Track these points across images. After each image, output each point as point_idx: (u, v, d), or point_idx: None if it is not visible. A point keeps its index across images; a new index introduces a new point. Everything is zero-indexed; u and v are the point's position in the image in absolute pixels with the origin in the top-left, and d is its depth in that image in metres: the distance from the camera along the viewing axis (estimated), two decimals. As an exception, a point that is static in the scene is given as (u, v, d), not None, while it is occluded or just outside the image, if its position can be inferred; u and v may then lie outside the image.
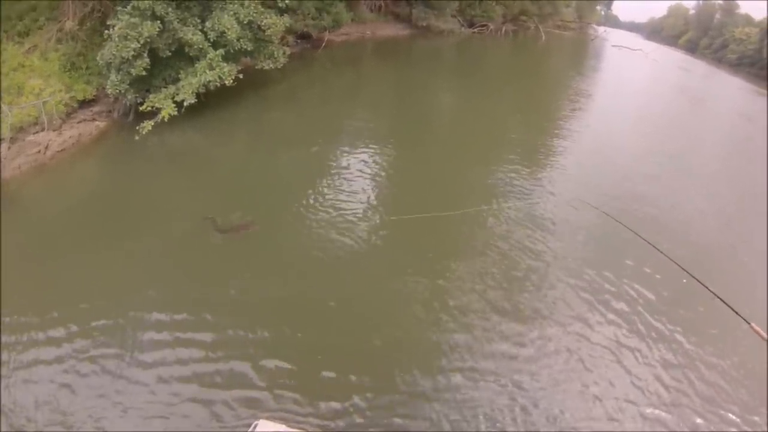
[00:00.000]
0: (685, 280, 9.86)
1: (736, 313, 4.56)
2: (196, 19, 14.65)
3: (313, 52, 25.35)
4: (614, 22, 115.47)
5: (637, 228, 7.12)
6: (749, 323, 4.30)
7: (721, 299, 4.76)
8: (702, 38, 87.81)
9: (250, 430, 5.99)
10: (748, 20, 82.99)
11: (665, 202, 14.35)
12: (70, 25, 15.62)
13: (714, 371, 8.32)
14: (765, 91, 50.70)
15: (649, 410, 7.44)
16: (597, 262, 10.61)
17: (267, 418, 6.29)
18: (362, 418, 6.74)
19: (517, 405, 7.17)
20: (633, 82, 36.27)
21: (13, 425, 6.39)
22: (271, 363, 7.38)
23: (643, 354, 8.43)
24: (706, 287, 5.04)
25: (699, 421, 7.39)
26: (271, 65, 16.82)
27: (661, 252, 6.21)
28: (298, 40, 24.96)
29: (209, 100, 15.52)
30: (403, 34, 34.70)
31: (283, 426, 6.17)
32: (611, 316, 9.18)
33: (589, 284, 9.91)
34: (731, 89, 49.16)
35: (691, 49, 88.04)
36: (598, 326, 8.87)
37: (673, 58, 67.15)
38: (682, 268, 5.47)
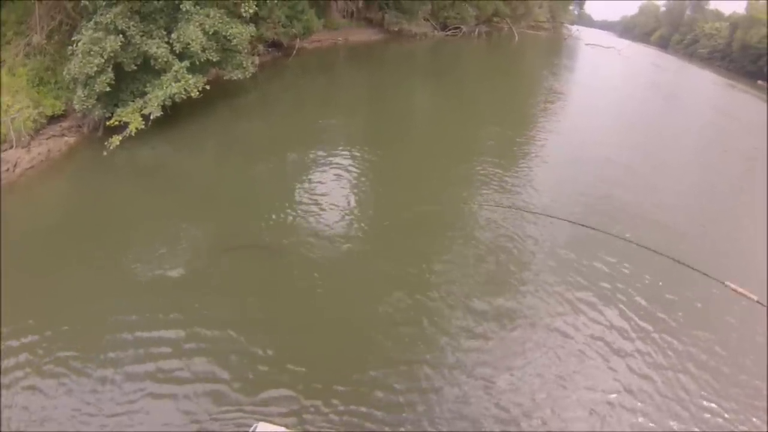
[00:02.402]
0: (661, 282, 10.71)
1: (709, 276, 4.57)
2: (162, 31, 14.69)
3: (284, 60, 25.43)
4: (587, 21, 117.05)
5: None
6: (724, 283, 4.37)
7: (690, 266, 4.75)
8: (673, 34, 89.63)
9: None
10: (717, 15, 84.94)
11: (640, 192, 15.15)
12: (37, 39, 15.51)
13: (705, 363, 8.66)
14: (736, 84, 52.04)
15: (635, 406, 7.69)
16: (572, 262, 11.03)
17: (266, 421, 6.44)
18: (361, 422, 6.93)
19: (497, 404, 7.43)
20: (607, 79, 36.94)
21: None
22: (265, 368, 7.59)
23: (626, 350, 8.73)
24: (674, 260, 5.03)
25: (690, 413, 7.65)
26: (239, 75, 16.88)
27: (631, 241, 6.52)
28: (269, 49, 25.03)
29: (179, 112, 15.52)
30: (375, 39, 34.89)
31: (283, 429, 6.31)
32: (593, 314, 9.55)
33: (568, 282, 10.31)
34: (703, 83, 50.31)
35: (663, 45, 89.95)
36: (581, 325, 9.20)
37: (645, 54, 68.40)
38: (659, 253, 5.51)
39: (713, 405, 7.79)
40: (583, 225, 7.57)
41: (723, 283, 4.56)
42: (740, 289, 4.38)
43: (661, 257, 11.11)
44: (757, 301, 4.31)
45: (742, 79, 58.34)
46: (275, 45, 25.28)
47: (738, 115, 32.97)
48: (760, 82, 58.95)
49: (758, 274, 10.48)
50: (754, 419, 7.70)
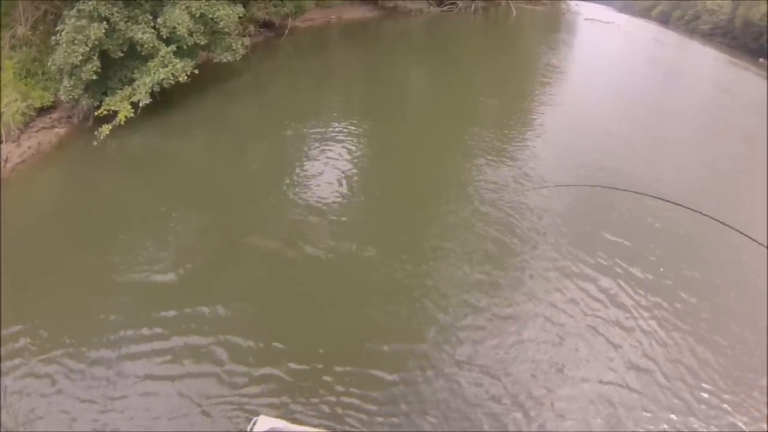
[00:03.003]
0: (662, 268, 10.59)
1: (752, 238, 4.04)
2: (148, 15, 14.30)
3: (276, 40, 24.87)
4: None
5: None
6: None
7: (734, 228, 4.13)
8: (674, 10, 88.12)
9: (250, 426, 6.06)
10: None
11: (639, 167, 15.09)
12: (22, 30, 15.19)
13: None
14: (738, 61, 51.34)
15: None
16: (574, 236, 10.94)
17: (267, 414, 6.39)
18: (363, 416, 6.87)
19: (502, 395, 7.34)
20: (606, 55, 36.41)
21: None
22: (266, 362, 7.51)
23: (629, 329, 8.69)
24: (715, 219, 4.47)
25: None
26: (229, 57, 16.47)
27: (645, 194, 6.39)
28: (261, 29, 24.49)
29: (170, 98, 15.22)
30: (370, 16, 34.10)
31: (283, 422, 6.25)
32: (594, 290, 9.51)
33: (569, 258, 10.25)
34: (705, 59, 49.66)
35: (664, 20, 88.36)
36: (581, 302, 9.16)
37: (646, 30, 67.37)
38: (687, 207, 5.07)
39: (713, 387, 7.74)
40: (597, 186, 7.56)
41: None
42: None
43: (663, 236, 11.05)
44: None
45: (743, 57, 57.46)
46: (267, 25, 24.73)
47: (739, 92, 32.53)
48: (761, 60, 57.91)
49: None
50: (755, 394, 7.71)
